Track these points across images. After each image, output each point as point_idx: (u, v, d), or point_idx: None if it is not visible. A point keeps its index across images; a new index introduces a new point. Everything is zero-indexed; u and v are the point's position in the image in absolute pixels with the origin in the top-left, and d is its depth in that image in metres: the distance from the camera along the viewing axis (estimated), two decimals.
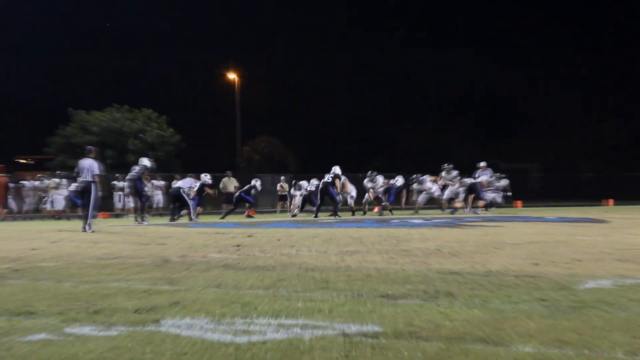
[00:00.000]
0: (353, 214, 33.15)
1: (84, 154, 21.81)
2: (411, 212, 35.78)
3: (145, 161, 28.50)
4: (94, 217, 21.14)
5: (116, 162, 59.39)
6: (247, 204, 35.08)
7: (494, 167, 34.13)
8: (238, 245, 13.65)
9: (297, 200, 37.25)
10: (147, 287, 8.01)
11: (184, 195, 29.79)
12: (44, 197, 40.39)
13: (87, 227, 20.52)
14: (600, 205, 38.79)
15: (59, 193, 39.67)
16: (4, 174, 45.43)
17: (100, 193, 21.27)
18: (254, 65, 75.30)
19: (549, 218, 24.49)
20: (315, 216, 31.08)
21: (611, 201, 39.02)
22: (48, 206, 39.73)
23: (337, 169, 31.90)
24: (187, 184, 30.64)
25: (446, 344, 4.99)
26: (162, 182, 43.11)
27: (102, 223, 29.56)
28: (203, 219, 29.20)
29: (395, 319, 5.89)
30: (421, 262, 10.54)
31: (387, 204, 34.12)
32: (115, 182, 42.74)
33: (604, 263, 10.08)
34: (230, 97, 66.79)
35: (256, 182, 34.58)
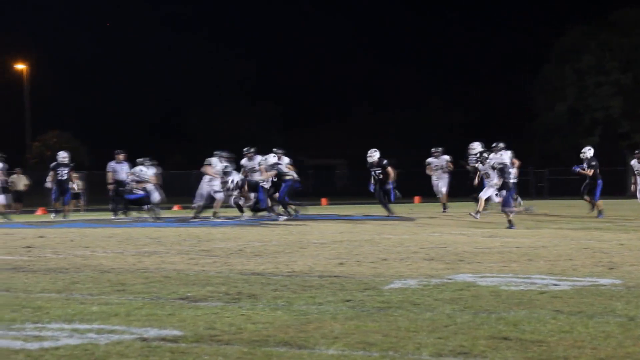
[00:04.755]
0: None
1: None
2: None
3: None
4: None
5: None
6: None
7: (297, 163, 33.28)
8: (29, 247, 13.38)
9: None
10: None
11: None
12: None
13: None
14: (408, 202, 39.73)
15: None
16: None
17: None
18: (44, 54, 72.64)
19: (355, 216, 24.96)
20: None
21: (417, 198, 40.00)
22: None
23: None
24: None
25: (248, 347, 5.08)
26: None
27: None
28: None
29: (195, 323, 5.94)
30: (223, 262, 10.62)
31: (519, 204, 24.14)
32: None
33: (410, 262, 10.43)
34: (19, 88, 64.76)
35: None
